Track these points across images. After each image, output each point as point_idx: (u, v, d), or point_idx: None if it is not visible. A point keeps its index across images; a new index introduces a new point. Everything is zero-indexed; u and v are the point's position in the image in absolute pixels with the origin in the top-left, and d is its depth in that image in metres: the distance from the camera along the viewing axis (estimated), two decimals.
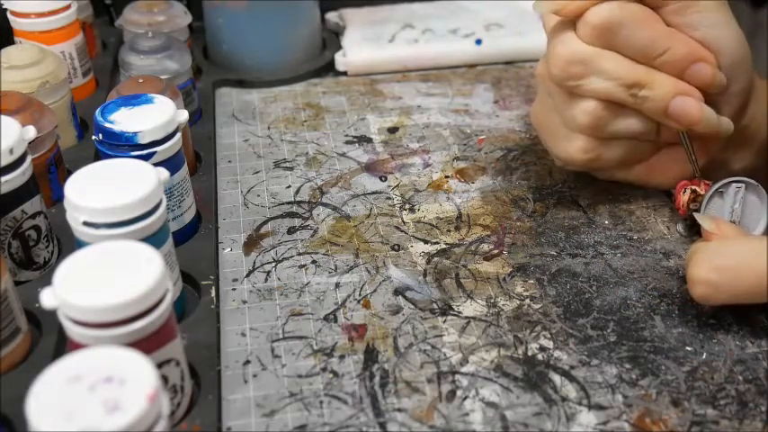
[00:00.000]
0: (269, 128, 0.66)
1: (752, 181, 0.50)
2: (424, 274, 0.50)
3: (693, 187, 0.51)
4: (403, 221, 0.55)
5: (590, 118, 0.49)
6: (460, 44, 0.75)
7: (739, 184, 0.50)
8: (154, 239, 0.42)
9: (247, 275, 0.50)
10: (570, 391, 0.42)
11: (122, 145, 0.47)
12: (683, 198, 0.52)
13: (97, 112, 0.49)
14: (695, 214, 0.50)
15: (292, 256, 0.52)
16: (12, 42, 0.64)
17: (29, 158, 0.46)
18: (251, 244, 0.53)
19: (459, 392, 0.42)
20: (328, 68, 0.74)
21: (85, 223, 0.41)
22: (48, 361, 0.42)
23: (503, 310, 0.47)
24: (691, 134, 0.50)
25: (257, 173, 0.60)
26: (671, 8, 0.47)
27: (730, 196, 0.50)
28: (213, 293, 0.48)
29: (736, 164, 0.55)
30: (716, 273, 0.42)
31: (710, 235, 0.47)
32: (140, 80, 0.55)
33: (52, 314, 0.36)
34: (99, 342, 0.34)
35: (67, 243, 0.49)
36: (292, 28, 0.73)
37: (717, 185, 0.50)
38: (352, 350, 0.45)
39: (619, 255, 0.51)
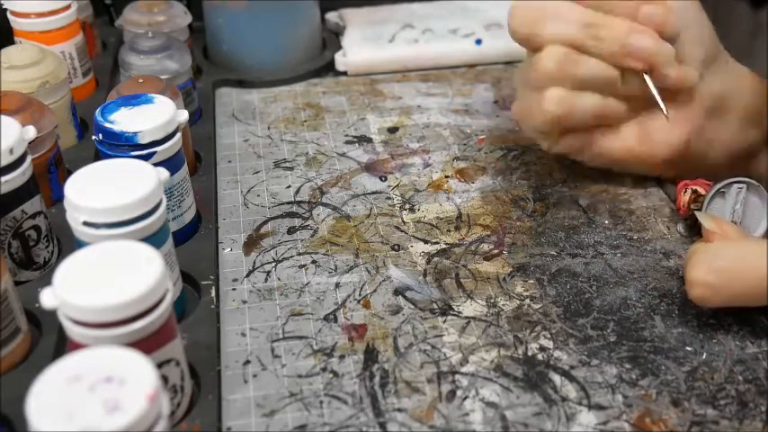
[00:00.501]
0: (269, 128, 0.66)
1: (753, 181, 0.50)
2: (424, 274, 0.50)
3: (695, 187, 0.51)
4: (403, 221, 0.55)
5: (555, 60, 0.50)
6: (460, 44, 0.75)
7: (741, 185, 0.50)
8: (154, 239, 0.42)
9: (247, 275, 0.50)
10: (570, 391, 0.42)
11: (122, 145, 0.47)
12: (684, 198, 0.52)
13: (97, 112, 0.49)
14: (696, 213, 0.50)
15: (292, 256, 0.52)
16: (12, 42, 0.64)
17: (29, 158, 0.46)
18: (251, 244, 0.53)
19: (459, 392, 0.42)
20: (328, 68, 0.74)
21: (85, 223, 0.41)
22: (48, 361, 0.42)
23: (503, 310, 0.47)
24: (655, 82, 0.51)
25: (257, 173, 0.60)
26: None
27: (732, 197, 0.50)
28: (213, 293, 0.48)
29: (761, 170, 0.56)
30: (714, 275, 0.42)
31: (711, 235, 0.47)
32: (140, 80, 0.55)
33: (52, 314, 0.36)
34: (99, 342, 0.34)
35: (67, 243, 0.49)
36: (292, 28, 0.73)
37: (718, 186, 0.50)
38: (352, 350, 0.45)
39: (619, 255, 0.51)
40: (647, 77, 0.51)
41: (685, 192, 0.52)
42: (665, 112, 0.51)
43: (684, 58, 0.51)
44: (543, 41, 0.51)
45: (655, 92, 0.51)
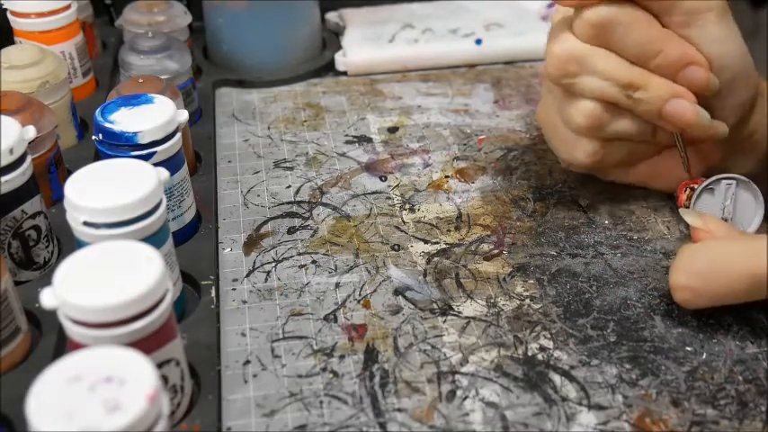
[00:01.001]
0: (269, 128, 0.66)
1: (743, 178, 0.50)
2: (424, 274, 0.50)
3: (693, 185, 0.51)
4: (403, 221, 0.55)
5: (587, 119, 0.49)
6: (460, 44, 0.75)
7: (730, 181, 0.50)
8: (154, 239, 0.42)
9: (247, 275, 0.50)
10: (570, 391, 0.42)
11: (122, 145, 0.47)
12: (683, 197, 0.52)
13: (97, 112, 0.49)
14: (681, 210, 0.50)
15: (292, 256, 0.52)
16: (12, 42, 0.64)
17: (29, 158, 0.46)
18: (251, 244, 0.53)
19: (459, 392, 0.42)
20: (328, 68, 0.74)
21: (85, 223, 0.41)
22: (48, 361, 0.42)
23: (503, 310, 0.47)
24: (685, 137, 0.51)
25: (257, 173, 0.60)
26: (674, 20, 0.47)
27: (721, 193, 0.50)
28: (213, 293, 0.48)
29: (738, 170, 0.55)
30: (694, 279, 0.43)
31: (696, 231, 0.47)
32: (140, 80, 0.55)
33: (52, 314, 0.36)
34: (99, 342, 0.34)
35: (67, 243, 0.49)
36: (292, 28, 0.73)
37: (707, 182, 0.50)
38: (352, 350, 0.45)
39: (619, 255, 0.51)
40: (676, 135, 0.51)
41: (685, 190, 0.52)
42: (687, 173, 0.52)
43: (723, 107, 0.50)
44: (577, 92, 0.49)
45: (682, 151, 0.51)
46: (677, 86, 0.48)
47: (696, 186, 0.51)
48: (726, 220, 0.50)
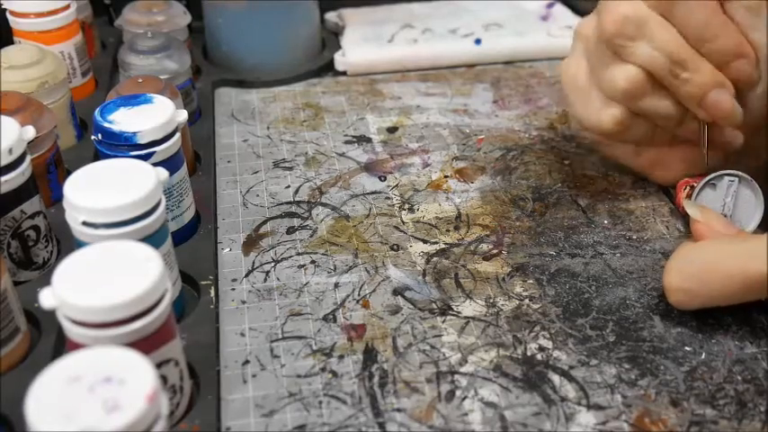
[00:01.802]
0: (268, 128, 0.66)
1: (745, 175, 0.50)
2: (424, 274, 0.50)
3: (693, 184, 0.52)
4: (402, 221, 0.55)
5: (629, 84, 0.48)
6: (460, 44, 0.75)
7: (732, 178, 0.50)
8: (153, 239, 0.42)
9: (246, 275, 0.50)
10: (569, 391, 0.42)
11: (121, 145, 0.47)
12: (683, 194, 0.52)
13: (96, 111, 0.49)
14: (684, 201, 0.50)
15: (291, 256, 0.52)
16: (11, 42, 0.64)
17: (28, 158, 0.46)
18: (250, 244, 0.53)
19: (458, 392, 0.42)
20: (328, 68, 0.74)
21: (85, 223, 0.41)
22: (47, 361, 0.42)
23: (502, 310, 0.47)
24: (709, 135, 0.51)
25: (256, 173, 0.60)
26: (740, 3, 0.47)
27: (722, 189, 0.50)
28: (212, 293, 0.48)
29: (741, 167, 0.55)
30: (688, 280, 0.43)
31: (696, 224, 0.47)
32: (140, 80, 0.55)
33: (51, 314, 0.36)
34: (98, 342, 0.34)
35: (67, 243, 0.49)
36: (292, 28, 0.73)
37: (709, 177, 0.50)
38: (352, 350, 0.45)
39: (618, 255, 0.51)
40: (702, 125, 0.50)
41: (684, 189, 0.52)
42: (705, 163, 0.51)
43: (752, 101, 0.50)
44: (626, 56, 0.48)
45: (705, 144, 0.51)
46: (722, 76, 0.48)
47: (694, 184, 0.51)
48: (725, 216, 0.50)
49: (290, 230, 0.54)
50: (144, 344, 0.35)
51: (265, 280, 0.50)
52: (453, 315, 0.47)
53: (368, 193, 0.58)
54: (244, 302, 0.48)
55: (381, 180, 0.59)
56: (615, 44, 0.48)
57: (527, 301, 0.48)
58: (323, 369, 0.44)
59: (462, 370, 0.43)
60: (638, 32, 0.48)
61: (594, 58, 0.51)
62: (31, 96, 0.53)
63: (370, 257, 0.52)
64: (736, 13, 0.48)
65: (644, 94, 0.49)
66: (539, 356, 0.44)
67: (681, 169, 0.54)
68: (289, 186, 0.59)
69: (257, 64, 0.73)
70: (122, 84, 0.56)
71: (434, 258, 0.51)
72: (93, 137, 0.49)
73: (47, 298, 0.35)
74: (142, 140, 0.47)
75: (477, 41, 0.75)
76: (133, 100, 0.50)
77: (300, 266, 0.51)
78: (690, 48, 0.48)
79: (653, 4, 0.47)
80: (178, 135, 0.49)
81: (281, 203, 0.57)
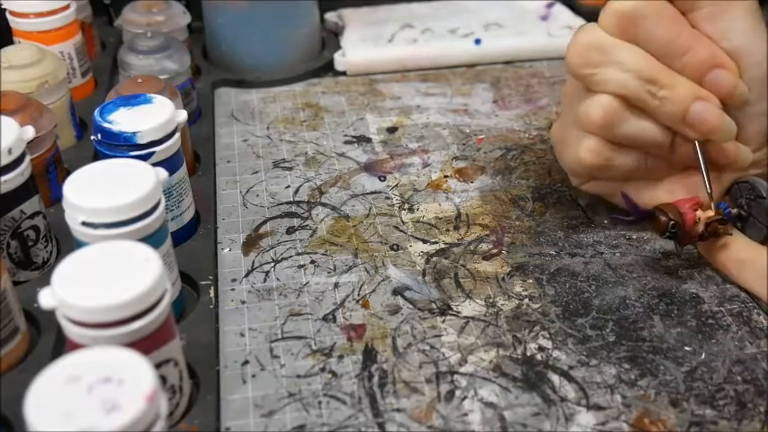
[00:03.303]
0: (268, 128, 0.66)
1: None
2: (423, 274, 0.50)
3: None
4: (402, 221, 0.55)
5: (603, 112, 0.46)
6: (460, 44, 0.75)
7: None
8: (152, 239, 0.42)
9: (246, 275, 0.50)
10: (569, 391, 0.42)
11: (121, 145, 0.47)
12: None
13: (96, 112, 0.49)
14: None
15: (291, 256, 0.52)
16: (11, 42, 0.64)
17: (27, 158, 0.46)
18: (250, 244, 0.53)
19: (457, 392, 0.42)
20: (327, 68, 0.74)
21: (84, 223, 0.41)
22: (46, 361, 0.42)
23: (501, 309, 0.47)
24: (707, 154, 0.47)
25: (256, 173, 0.60)
26: (701, 13, 0.46)
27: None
28: (212, 293, 0.48)
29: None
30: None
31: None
32: (139, 80, 0.55)
33: (51, 314, 0.36)
34: (97, 342, 0.34)
35: (66, 243, 0.49)
36: (291, 28, 0.73)
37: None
38: (351, 350, 0.45)
39: (618, 254, 0.51)
40: (698, 147, 0.47)
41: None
42: (708, 188, 0.47)
43: (749, 132, 0.47)
44: (596, 86, 0.47)
45: (702, 164, 0.47)
46: (703, 90, 0.46)
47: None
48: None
49: (290, 230, 0.54)
50: (143, 344, 0.35)
51: (265, 280, 0.50)
52: (453, 315, 0.47)
53: (368, 193, 0.58)
54: (243, 302, 0.48)
55: (381, 180, 0.59)
56: (583, 75, 0.47)
57: (527, 300, 0.48)
58: (322, 369, 0.44)
59: (462, 370, 0.43)
60: (603, 58, 0.46)
61: (572, 99, 0.49)
62: (31, 96, 0.53)
63: (369, 257, 0.52)
64: (699, 24, 0.46)
65: (621, 121, 0.47)
66: (538, 356, 0.44)
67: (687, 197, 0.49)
68: (288, 186, 0.59)
69: (257, 64, 0.72)
70: (122, 84, 0.56)
71: (434, 258, 0.51)
72: (92, 137, 0.49)
73: (46, 298, 0.35)
74: (142, 140, 0.47)
75: (477, 41, 0.75)
76: (133, 100, 0.50)
77: (300, 266, 0.51)
78: (661, 65, 0.46)
79: (614, 28, 0.46)
80: (178, 135, 0.49)
81: (281, 203, 0.57)
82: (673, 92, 0.45)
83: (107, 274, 0.35)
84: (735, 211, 0.48)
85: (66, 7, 0.63)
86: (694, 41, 0.45)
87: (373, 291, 0.49)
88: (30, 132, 0.47)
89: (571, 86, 0.50)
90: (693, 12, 0.46)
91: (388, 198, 0.57)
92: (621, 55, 0.46)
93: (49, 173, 0.53)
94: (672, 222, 0.46)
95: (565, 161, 0.52)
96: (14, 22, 0.63)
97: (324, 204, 0.57)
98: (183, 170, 0.50)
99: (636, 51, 0.46)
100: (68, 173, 0.52)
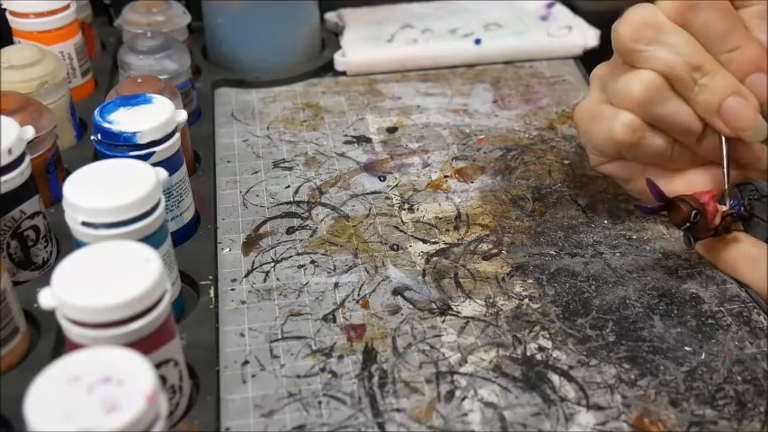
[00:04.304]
0: (268, 128, 0.66)
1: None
2: (423, 274, 0.50)
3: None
4: (402, 221, 0.55)
5: (645, 87, 0.46)
6: (460, 44, 0.75)
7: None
8: (152, 239, 0.42)
9: (246, 276, 0.50)
10: (569, 391, 0.42)
11: (121, 145, 0.47)
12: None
13: (96, 112, 0.49)
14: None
15: (291, 257, 0.52)
16: (11, 42, 0.64)
17: (27, 158, 0.46)
18: (250, 244, 0.53)
19: (457, 393, 0.42)
20: (327, 68, 0.74)
21: (84, 223, 0.41)
22: (46, 361, 0.42)
23: (501, 309, 0.47)
24: (733, 154, 0.47)
25: (256, 173, 0.60)
26: (751, 10, 0.46)
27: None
28: (212, 293, 0.48)
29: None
30: None
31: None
32: (139, 80, 0.55)
33: (51, 314, 0.36)
34: (97, 342, 0.34)
35: (66, 243, 0.49)
36: (291, 28, 0.73)
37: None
38: (351, 350, 0.45)
39: (618, 254, 0.51)
40: (724, 142, 0.47)
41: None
42: (725, 183, 0.47)
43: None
44: (642, 62, 0.46)
45: (725, 161, 0.47)
46: (743, 87, 0.46)
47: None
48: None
49: (290, 230, 0.54)
50: (143, 344, 0.35)
51: (265, 280, 0.50)
52: (453, 315, 0.47)
53: (368, 193, 0.58)
54: (243, 303, 0.48)
55: (381, 180, 0.59)
56: (631, 49, 0.47)
57: (527, 300, 0.48)
58: (322, 369, 0.44)
59: (462, 370, 0.43)
60: (655, 37, 0.46)
61: (608, 78, 0.49)
62: (31, 96, 0.53)
63: (369, 257, 0.52)
64: (749, 21, 0.46)
65: (660, 100, 0.47)
66: (538, 356, 0.44)
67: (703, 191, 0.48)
68: (288, 186, 0.59)
69: (257, 64, 0.72)
70: (122, 84, 0.56)
71: (434, 258, 0.51)
72: (92, 137, 0.49)
73: (46, 298, 0.35)
74: (142, 140, 0.47)
75: (477, 41, 0.75)
76: (133, 100, 0.50)
77: (300, 266, 0.51)
78: (708, 54, 0.46)
79: (671, 13, 0.46)
80: (178, 135, 0.49)
81: (281, 203, 0.57)
82: (713, 80, 0.45)
83: (107, 275, 0.35)
84: (742, 210, 0.48)
85: (66, 7, 0.63)
86: (745, 41, 0.46)
87: (373, 291, 0.49)
88: (30, 132, 0.47)
89: (607, 66, 0.50)
90: (745, 8, 0.46)
91: (388, 198, 0.57)
92: (674, 37, 0.46)
93: (49, 173, 0.53)
94: (695, 212, 0.46)
95: (593, 137, 0.50)
96: (14, 22, 0.63)
97: (324, 204, 0.57)
98: (182, 170, 0.50)
99: (688, 37, 0.46)
100: (68, 173, 0.52)
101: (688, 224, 0.46)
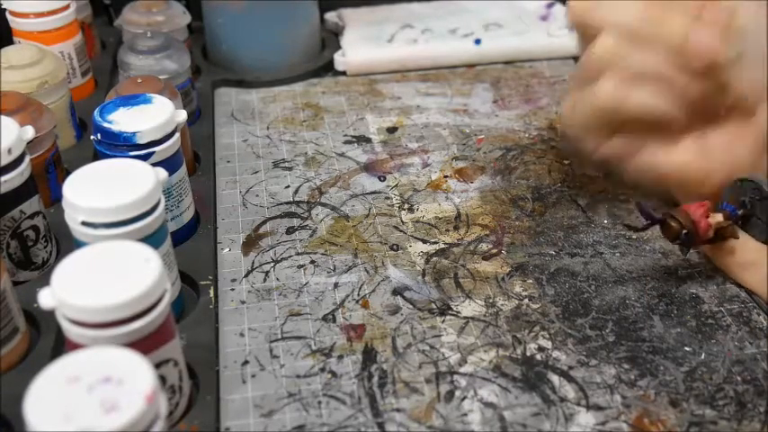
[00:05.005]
0: (268, 128, 0.66)
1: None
2: (423, 274, 0.50)
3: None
4: (402, 221, 0.55)
5: (607, 47, 0.47)
6: (460, 44, 0.75)
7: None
8: (152, 239, 0.42)
9: (246, 276, 0.50)
10: (569, 391, 0.42)
11: (121, 145, 0.47)
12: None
13: (96, 112, 0.49)
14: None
15: (291, 257, 0.52)
16: (11, 42, 0.64)
17: (27, 158, 0.46)
18: (250, 244, 0.53)
19: (457, 393, 0.42)
20: (327, 68, 0.74)
21: (84, 223, 0.41)
22: (46, 361, 0.42)
23: (501, 309, 0.47)
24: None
25: (256, 173, 0.60)
26: None
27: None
28: (212, 293, 0.48)
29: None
30: None
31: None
32: (139, 80, 0.55)
33: (50, 314, 0.36)
34: (97, 342, 0.34)
35: (66, 243, 0.49)
36: (291, 28, 0.73)
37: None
38: (351, 350, 0.45)
39: (618, 254, 0.51)
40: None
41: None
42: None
43: (743, 83, 0.46)
44: (599, 29, 0.47)
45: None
46: (702, 21, 0.46)
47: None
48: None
49: (290, 230, 0.54)
50: (143, 344, 0.35)
51: (265, 280, 0.50)
52: (453, 315, 0.47)
53: (367, 193, 0.58)
54: (243, 303, 0.48)
55: (381, 180, 0.59)
56: (584, 26, 0.49)
57: (526, 300, 0.48)
58: (322, 369, 0.44)
59: (462, 370, 0.43)
60: (599, 5, 0.48)
61: (577, 69, 0.50)
62: (31, 96, 0.53)
63: (369, 257, 0.52)
64: None
65: (627, 53, 0.47)
66: (538, 357, 0.44)
67: (724, 157, 0.48)
68: (288, 186, 0.59)
69: (257, 64, 0.72)
70: (122, 84, 0.56)
71: (434, 258, 0.51)
72: (92, 137, 0.49)
73: (46, 298, 0.35)
74: (141, 140, 0.47)
75: (477, 41, 0.75)
76: (132, 100, 0.50)
77: (300, 266, 0.51)
78: (654, 7, 0.47)
79: None
80: (177, 135, 0.49)
81: (281, 203, 0.57)
82: (670, 24, 0.46)
83: (107, 275, 0.35)
84: (740, 211, 0.48)
85: (66, 7, 0.63)
86: None
87: (373, 291, 0.49)
88: (29, 132, 0.47)
89: (578, 65, 0.50)
90: None
91: (387, 198, 0.57)
92: (618, 2, 0.47)
93: (49, 173, 0.53)
94: (684, 231, 0.46)
95: (580, 121, 0.50)
96: (14, 22, 0.63)
97: (324, 204, 0.57)
98: (182, 170, 0.50)
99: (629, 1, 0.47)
100: (68, 173, 0.52)
101: (679, 241, 0.46)
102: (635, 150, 0.50)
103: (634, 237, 0.53)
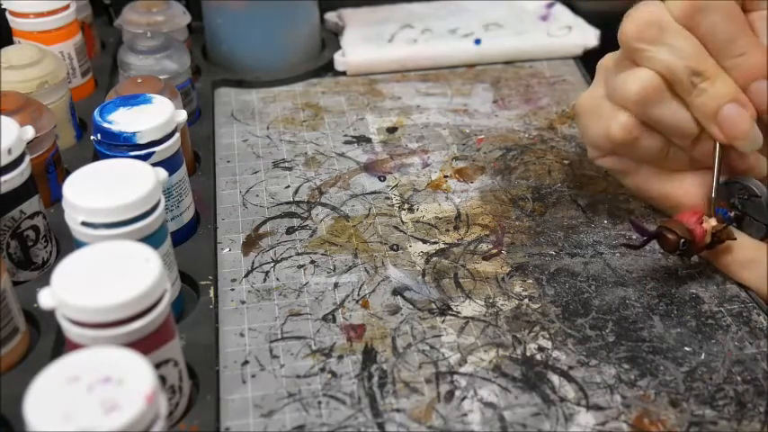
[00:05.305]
0: (268, 128, 0.66)
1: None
2: (423, 274, 0.50)
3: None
4: (402, 221, 0.55)
5: (641, 86, 0.46)
6: (460, 44, 0.75)
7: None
8: (152, 239, 0.42)
9: (246, 276, 0.50)
10: (569, 391, 0.42)
11: (121, 145, 0.47)
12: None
13: (96, 112, 0.49)
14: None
15: (291, 257, 0.52)
16: (11, 42, 0.64)
17: (27, 158, 0.46)
18: (250, 244, 0.53)
19: (457, 393, 0.42)
20: (327, 68, 0.74)
21: (84, 223, 0.41)
22: (46, 361, 0.42)
23: (501, 309, 0.47)
24: (727, 160, 0.48)
25: (256, 173, 0.60)
26: (760, 14, 0.45)
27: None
28: (212, 294, 0.48)
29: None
30: None
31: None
32: (139, 80, 0.55)
33: (50, 314, 0.36)
34: (97, 342, 0.34)
35: (66, 243, 0.49)
36: (291, 28, 0.73)
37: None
38: (351, 350, 0.45)
39: (618, 254, 0.51)
40: (717, 148, 0.47)
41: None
42: (713, 192, 0.48)
43: None
44: (644, 61, 0.46)
45: (716, 166, 0.47)
46: (743, 95, 0.45)
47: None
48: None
49: (290, 230, 0.54)
50: (143, 344, 0.35)
51: (265, 280, 0.50)
52: (453, 315, 0.47)
53: (367, 193, 0.58)
54: (243, 303, 0.48)
55: (381, 180, 0.59)
56: (634, 48, 0.46)
57: (526, 300, 0.48)
58: (322, 369, 0.44)
59: (461, 370, 0.43)
60: (658, 37, 0.45)
61: (611, 71, 0.49)
62: (31, 96, 0.53)
63: (369, 257, 0.52)
64: (756, 23, 0.45)
65: (657, 100, 0.47)
66: (538, 357, 0.44)
67: (696, 195, 0.50)
68: (288, 186, 0.59)
69: (257, 64, 0.72)
70: (122, 84, 0.56)
71: (434, 258, 0.51)
72: (92, 137, 0.49)
73: (46, 298, 0.35)
74: (141, 140, 0.47)
75: (477, 41, 0.75)
76: (132, 100, 0.50)
77: (300, 266, 0.51)
78: (711, 58, 0.45)
79: (678, 13, 0.45)
80: (177, 135, 0.49)
81: (281, 203, 0.57)
82: (712, 86, 0.45)
83: (107, 275, 0.35)
84: (732, 213, 0.49)
85: (66, 7, 0.63)
86: (751, 47, 0.45)
87: (373, 291, 0.49)
88: (29, 132, 0.47)
89: (613, 58, 0.50)
90: (754, 11, 0.46)
91: (387, 198, 0.57)
92: (678, 39, 0.45)
93: (49, 173, 0.53)
94: (683, 241, 0.46)
95: (590, 133, 0.51)
96: (14, 22, 0.63)
97: (324, 204, 0.57)
98: (182, 170, 0.50)
99: (692, 40, 0.45)
100: (68, 173, 0.52)
101: (678, 251, 0.47)
102: (632, 170, 0.52)
103: (634, 237, 0.53)
